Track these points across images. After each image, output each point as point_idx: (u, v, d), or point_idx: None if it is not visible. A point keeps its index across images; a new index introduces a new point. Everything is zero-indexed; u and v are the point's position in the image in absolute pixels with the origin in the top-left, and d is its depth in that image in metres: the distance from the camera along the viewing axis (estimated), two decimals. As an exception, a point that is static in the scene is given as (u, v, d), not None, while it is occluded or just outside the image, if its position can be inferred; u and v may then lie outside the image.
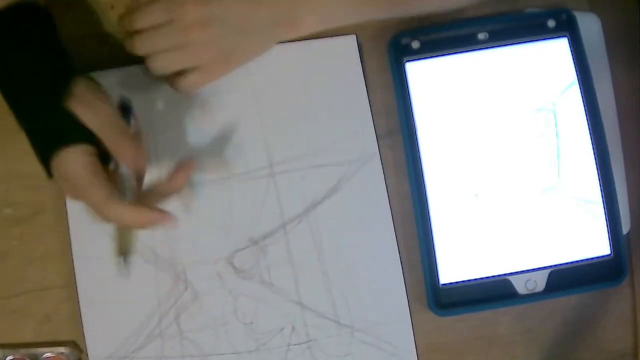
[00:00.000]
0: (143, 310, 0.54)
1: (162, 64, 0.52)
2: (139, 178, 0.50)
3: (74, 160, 0.46)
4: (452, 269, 0.54)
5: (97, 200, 0.46)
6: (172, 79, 0.53)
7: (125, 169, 0.48)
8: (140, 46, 0.51)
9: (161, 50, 0.51)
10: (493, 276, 0.54)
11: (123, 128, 0.48)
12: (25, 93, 0.47)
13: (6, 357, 0.53)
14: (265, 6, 0.52)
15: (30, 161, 0.55)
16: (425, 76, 0.56)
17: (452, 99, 0.55)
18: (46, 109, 0.47)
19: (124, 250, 0.50)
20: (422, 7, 0.55)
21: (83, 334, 0.53)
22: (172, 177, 0.50)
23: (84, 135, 0.46)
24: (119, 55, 0.53)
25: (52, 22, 0.50)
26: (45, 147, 0.47)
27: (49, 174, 0.47)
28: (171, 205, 0.51)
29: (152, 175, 0.52)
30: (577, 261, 0.54)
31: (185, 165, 0.51)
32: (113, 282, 0.54)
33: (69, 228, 0.54)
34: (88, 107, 0.47)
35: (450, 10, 0.55)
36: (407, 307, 0.55)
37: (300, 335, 0.54)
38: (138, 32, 0.51)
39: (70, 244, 0.54)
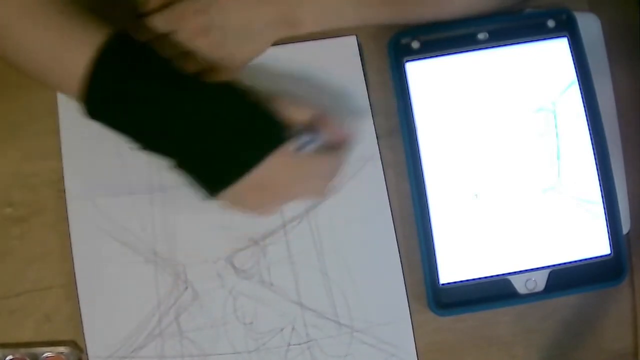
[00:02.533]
0: (143, 310, 0.54)
1: None
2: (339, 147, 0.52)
3: (285, 157, 0.47)
4: (452, 269, 0.54)
5: (328, 170, 0.51)
6: None
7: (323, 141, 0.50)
8: None
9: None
10: (493, 276, 0.54)
11: (321, 109, 0.50)
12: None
13: (6, 356, 0.53)
14: (264, 9, 0.53)
15: (30, 161, 0.55)
16: (425, 76, 0.56)
17: (452, 99, 0.55)
18: (244, 117, 0.47)
19: None
20: (422, 15, 0.55)
21: (83, 334, 0.53)
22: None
23: (284, 134, 0.48)
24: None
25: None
26: (239, 162, 0.46)
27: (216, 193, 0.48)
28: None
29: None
30: (577, 261, 0.54)
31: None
32: (113, 282, 0.54)
33: (69, 228, 0.54)
34: (290, 104, 0.49)
35: (449, 18, 0.55)
36: (407, 307, 0.55)
37: (300, 335, 0.54)
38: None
39: (70, 244, 0.54)
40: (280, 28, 0.54)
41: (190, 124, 0.45)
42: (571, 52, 0.56)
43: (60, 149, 0.55)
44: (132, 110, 0.45)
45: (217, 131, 0.46)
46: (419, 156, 0.55)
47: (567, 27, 0.56)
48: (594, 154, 0.55)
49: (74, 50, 0.43)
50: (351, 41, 0.57)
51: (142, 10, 0.53)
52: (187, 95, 0.45)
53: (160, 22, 0.51)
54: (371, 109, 0.56)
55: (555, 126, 0.55)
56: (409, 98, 0.55)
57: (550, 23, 0.56)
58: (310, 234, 0.55)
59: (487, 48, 0.56)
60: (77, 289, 0.53)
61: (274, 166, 0.47)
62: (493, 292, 0.54)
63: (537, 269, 0.54)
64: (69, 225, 0.54)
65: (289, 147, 0.47)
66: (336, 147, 0.52)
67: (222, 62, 0.54)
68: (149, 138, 0.46)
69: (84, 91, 0.43)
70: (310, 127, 0.50)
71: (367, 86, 0.57)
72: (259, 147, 0.47)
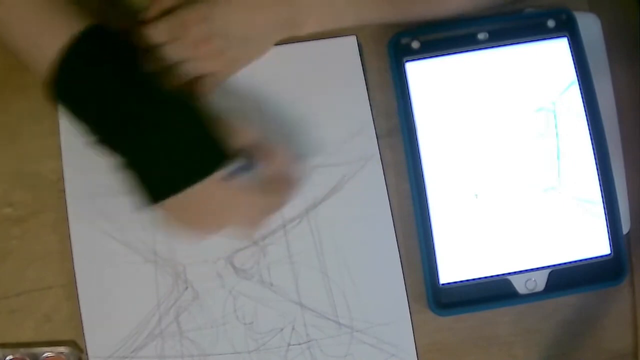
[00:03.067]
0: (143, 310, 0.54)
1: (174, 76, 0.52)
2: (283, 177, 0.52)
3: (220, 184, 0.47)
4: (452, 268, 0.54)
5: (263, 206, 0.50)
6: (187, 87, 0.54)
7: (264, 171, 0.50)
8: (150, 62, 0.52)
9: (171, 64, 0.52)
10: (493, 276, 0.54)
11: (264, 140, 0.50)
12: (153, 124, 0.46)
13: (6, 356, 0.53)
14: (264, 13, 0.52)
15: (30, 161, 0.55)
16: (425, 76, 0.56)
17: (452, 99, 0.55)
18: (190, 137, 0.46)
19: None
20: (423, 13, 0.55)
21: (83, 334, 0.53)
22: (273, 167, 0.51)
23: (224, 159, 0.47)
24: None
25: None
26: (177, 180, 0.46)
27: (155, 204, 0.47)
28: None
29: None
30: (577, 261, 0.54)
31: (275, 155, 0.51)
32: (113, 282, 0.54)
33: (69, 228, 0.54)
34: (234, 129, 0.48)
35: (451, 16, 0.55)
36: (407, 307, 0.55)
37: (300, 335, 0.54)
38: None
39: (70, 244, 0.54)
40: (282, 30, 0.54)
41: (144, 126, 0.46)
42: (571, 52, 0.56)
43: (60, 149, 0.55)
44: (93, 102, 0.45)
45: (168, 139, 0.46)
46: (419, 156, 0.55)
47: (567, 27, 0.56)
48: (594, 154, 0.55)
49: (51, 34, 0.44)
50: (351, 41, 0.57)
51: (144, 18, 0.53)
52: (146, 96, 0.46)
53: (162, 30, 0.51)
54: (371, 109, 0.56)
55: (555, 126, 0.55)
56: (409, 98, 0.55)
57: (550, 23, 0.56)
58: (310, 234, 0.55)
59: (487, 48, 0.56)
60: (77, 289, 0.54)
61: (208, 190, 0.47)
62: (493, 292, 0.54)
63: (537, 269, 0.54)
64: (69, 225, 0.54)
65: (225, 173, 0.47)
66: (279, 183, 0.51)
67: (223, 67, 0.54)
68: (105, 132, 0.46)
69: (51, 74, 0.45)
70: (251, 154, 0.49)
71: (367, 86, 0.57)
72: (200, 167, 0.47)
